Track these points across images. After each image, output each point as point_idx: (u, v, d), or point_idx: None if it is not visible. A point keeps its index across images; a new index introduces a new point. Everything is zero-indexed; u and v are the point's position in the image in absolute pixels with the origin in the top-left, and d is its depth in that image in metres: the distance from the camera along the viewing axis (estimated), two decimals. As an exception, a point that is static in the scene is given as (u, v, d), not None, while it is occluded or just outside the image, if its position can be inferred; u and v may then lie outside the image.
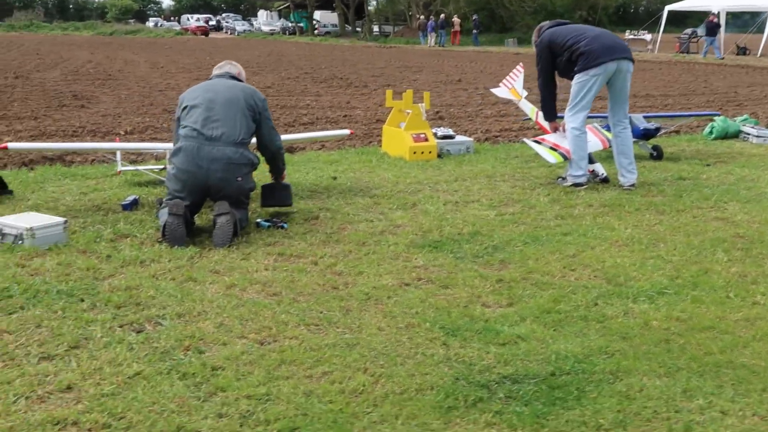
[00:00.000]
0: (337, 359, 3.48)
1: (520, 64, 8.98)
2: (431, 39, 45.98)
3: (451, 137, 8.96)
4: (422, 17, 51.77)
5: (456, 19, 47.68)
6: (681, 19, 42.94)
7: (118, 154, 7.05)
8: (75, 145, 7.74)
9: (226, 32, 70.14)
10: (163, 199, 5.60)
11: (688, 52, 34.82)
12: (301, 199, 6.54)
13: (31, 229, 5.02)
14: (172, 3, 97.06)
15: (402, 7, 60.46)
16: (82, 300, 4.17)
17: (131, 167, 7.21)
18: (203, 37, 60.47)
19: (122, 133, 10.33)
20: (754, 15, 35.89)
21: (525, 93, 8.59)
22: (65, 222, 5.25)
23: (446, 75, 22.24)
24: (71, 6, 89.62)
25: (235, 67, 6.02)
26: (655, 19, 38.66)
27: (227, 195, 5.35)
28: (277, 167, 6.00)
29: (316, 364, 3.43)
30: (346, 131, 8.25)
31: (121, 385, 3.21)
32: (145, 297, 4.21)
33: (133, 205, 6.21)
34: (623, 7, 78.06)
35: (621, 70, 6.91)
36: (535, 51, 7.33)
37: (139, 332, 3.78)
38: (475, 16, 48.51)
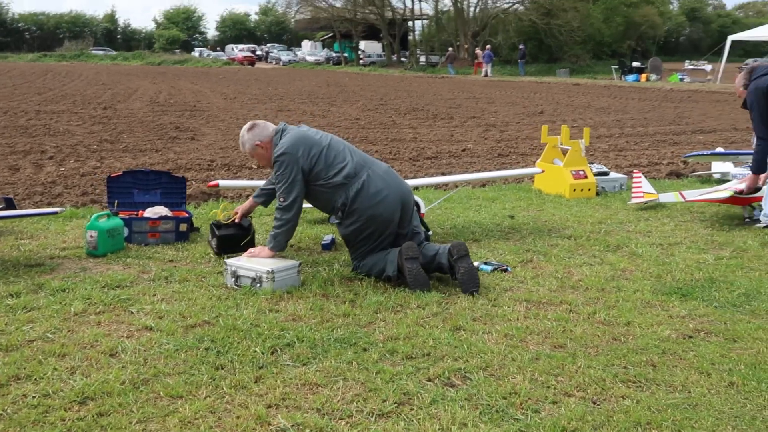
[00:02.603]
0: (692, 422, 3.28)
1: (636, 171, 8.53)
2: (487, 69, 45.96)
3: (605, 174, 8.77)
4: (451, 49, 52.34)
5: (478, 51, 48.70)
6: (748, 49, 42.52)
7: None
8: None
9: (272, 62, 70.81)
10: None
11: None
12: (496, 239, 6.38)
13: (272, 272, 4.90)
14: (217, 33, 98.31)
15: (449, 38, 60.60)
16: (366, 350, 4.02)
17: None
18: (250, 66, 61.09)
19: (254, 166, 10.27)
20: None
21: (654, 190, 8.08)
22: (299, 264, 5.13)
23: (522, 107, 22.09)
24: (119, 36, 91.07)
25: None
26: (717, 49, 38.29)
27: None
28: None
29: (676, 427, 3.23)
30: (538, 169, 8.02)
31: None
32: (427, 347, 4.05)
33: (332, 244, 6.10)
34: (670, 37, 77.75)
35: None
36: (740, 93, 6.88)
37: (452, 386, 3.62)
38: (521, 46, 48.55)
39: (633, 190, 7.96)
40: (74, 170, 9.89)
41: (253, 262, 5.04)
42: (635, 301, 4.86)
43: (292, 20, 78.76)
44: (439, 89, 31.27)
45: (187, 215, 6.29)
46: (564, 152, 8.58)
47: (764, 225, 6.80)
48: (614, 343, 4.17)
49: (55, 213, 6.07)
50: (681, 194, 7.61)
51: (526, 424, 3.25)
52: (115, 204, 6.18)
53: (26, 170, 9.89)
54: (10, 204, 6.45)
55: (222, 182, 6.49)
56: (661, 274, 5.42)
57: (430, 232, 6.15)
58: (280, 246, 5.25)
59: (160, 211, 6.21)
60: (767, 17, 71.86)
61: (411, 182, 6.68)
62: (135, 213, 6.23)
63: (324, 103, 22.59)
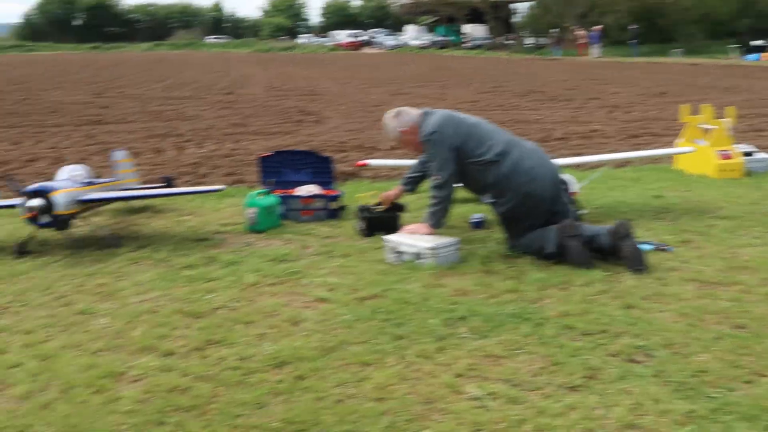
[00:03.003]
0: None
1: None
2: (596, 49, 44.90)
3: (750, 154, 8.44)
4: (557, 30, 51.21)
5: (582, 32, 47.57)
6: None
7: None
8: None
9: (376, 47, 71.15)
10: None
11: None
12: (648, 219, 6.26)
13: (434, 248, 4.96)
14: (321, 20, 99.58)
15: (555, 19, 59.36)
16: (541, 325, 4.03)
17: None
18: (356, 52, 61.60)
19: (385, 148, 10.38)
20: None
21: None
22: (459, 242, 5.18)
23: (643, 88, 21.46)
24: (227, 24, 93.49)
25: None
26: None
27: None
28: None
29: None
30: (690, 148, 7.81)
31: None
32: (602, 324, 4.02)
33: (482, 223, 6.11)
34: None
35: None
36: None
37: (637, 363, 3.58)
38: (634, 26, 47.08)
39: None
40: (214, 152, 10.26)
41: (414, 239, 5.12)
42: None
43: (396, 5, 78.87)
44: (552, 71, 30.76)
45: (337, 193, 6.43)
46: (706, 132, 8.30)
47: None
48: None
49: (218, 190, 6.33)
50: None
51: (723, 402, 3.19)
52: (271, 183, 6.38)
53: (169, 152, 10.33)
54: (169, 183, 6.75)
55: (372, 161, 6.59)
56: None
57: (586, 211, 6.08)
58: (438, 224, 5.30)
59: (312, 189, 6.37)
60: None
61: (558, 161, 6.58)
62: (287, 191, 6.42)
63: (437, 87, 22.60)
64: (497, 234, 5.77)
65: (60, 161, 9.63)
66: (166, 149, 10.58)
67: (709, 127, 8.24)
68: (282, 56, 51.89)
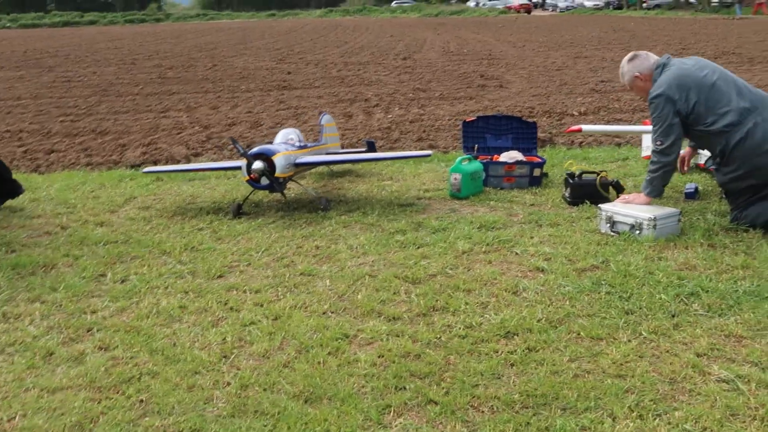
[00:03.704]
0: None
1: None
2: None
3: None
4: None
5: None
6: None
7: (647, 138, 6.65)
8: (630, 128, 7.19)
9: (548, 9, 69.26)
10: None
11: None
12: None
13: (654, 218, 4.73)
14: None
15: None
16: (782, 304, 3.73)
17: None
18: (527, 14, 60.22)
19: (575, 113, 10.07)
20: None
21: None
22: (680, 213, 4.91)
23: None
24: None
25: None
26: None
27: None
28: None
29: None
30: None
31: None
32: None
33: (696, 193, 5.76)
34: None
35: None
36: None
37: None
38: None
39: None
40: (401, 117, 10.33)
41: (632, 209, 4.90)
42: None
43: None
44: (742, 31, 28.66)
45: (540, 160, 6.27)
46: None
47: None
48: None
49: (426, 156, 6.35)
50: None
51: None
52: (475, 148, 6.32)
53: (359, 117, 10.51)
54: (371, 147, 6.85)
55: (585, 127, 6.36)
56: None
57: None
58: (657, 191, 5.05)
59: (515, 155, 6.25)
60: None
61: None
62: (489, 157, 6.33)
63: (619, 49, 21.59)
64: (714, 205, 5.44)
65: (258, 125, 10.05)
66: (356, 114, 10.76)
67: None
68: (452, 20, 51.58)
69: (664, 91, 4.93)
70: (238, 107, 11.86)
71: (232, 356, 3.40)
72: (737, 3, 45.42)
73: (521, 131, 6.51)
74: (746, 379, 3.04)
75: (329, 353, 3.39)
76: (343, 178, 6.75)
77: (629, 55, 5.33)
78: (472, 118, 6.69)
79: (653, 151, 5.03)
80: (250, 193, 5.73)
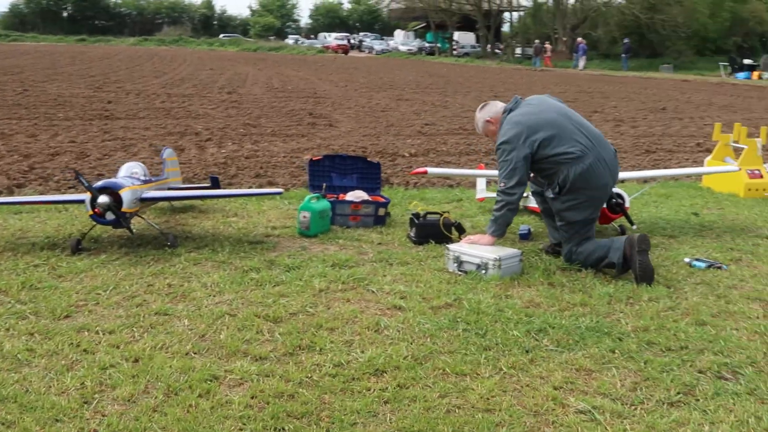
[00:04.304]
0: None
1: None
2: (581, 62, 45.32)
3: (778, 173, 8.56)
4: (537, 41, 51.64)
5: (548, 45, 49.63)
6: None
7: (482, 182, 7.04)
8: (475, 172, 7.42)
9: (365, 51, 71.23)
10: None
11: None
12: (692, 236, 6.34)
13: (499, 259, 5.00)
14: (310, 21, 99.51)
15: (546, 30, 59.82)
16: (621, 339, 4.07)
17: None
18: (344, 55, 61.55)
19: (406, 155, 10.42)
20: None
21: None
22: (521, 253, 5.22)
23: (640, 102, 21.66)
24: (215, 22, 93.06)
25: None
26: None
27: None
28: None
29: None
30: (735, 167, 7.80)
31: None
32: (681, 340, 4.08)
33: (529, 234, 6.17)
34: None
35: None
36: None
37: (726, 380, 3.64)
38: (626, 40, 47.56)
39: None
40: (236, 152, 10.23)
41: (477, 249, 5.15)
42: None
43: (386, 9, 79.07)
44: (545, 82, 30.94)
45: (385, 200, 6.45)
46: (736, 151, 8.42)
47: None
48: None
49: (279, 193, 6.32)
50: None
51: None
52: (324, 187, 6.38)
53: (191, 151, 10.29)
54: (215, 183, 6.74)
55: (431, 169, 6.60)
56: None
57: (635, 226, 6.15)
58: (500, 231, 5.34)
59: (361, 194, 6.39)
60: None
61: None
62: (336, 196, 6.42)
63: (437, 94, 22.67)
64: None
65: (85, 155, 9.57)
66: (188, 147, 10.52)
67: (739, 146, 8.35)
68: (272, 56, 51.74)
69: (509, 138, 5.26)
70: (58, 136, 11.23)
71: (95, 401, 3.22)
72: (535, 56, 49.02)
73: (366, 171, 6.67)
74: (601, 410, 3.29)
75: (200, 395, 3.30)
76: (186, 214, 6.58)
77: (480, 105, 5.72)
78: (319, 157, 6.77)
79: (498, 191, 5.33)
80: (91, 228, 5.46)
